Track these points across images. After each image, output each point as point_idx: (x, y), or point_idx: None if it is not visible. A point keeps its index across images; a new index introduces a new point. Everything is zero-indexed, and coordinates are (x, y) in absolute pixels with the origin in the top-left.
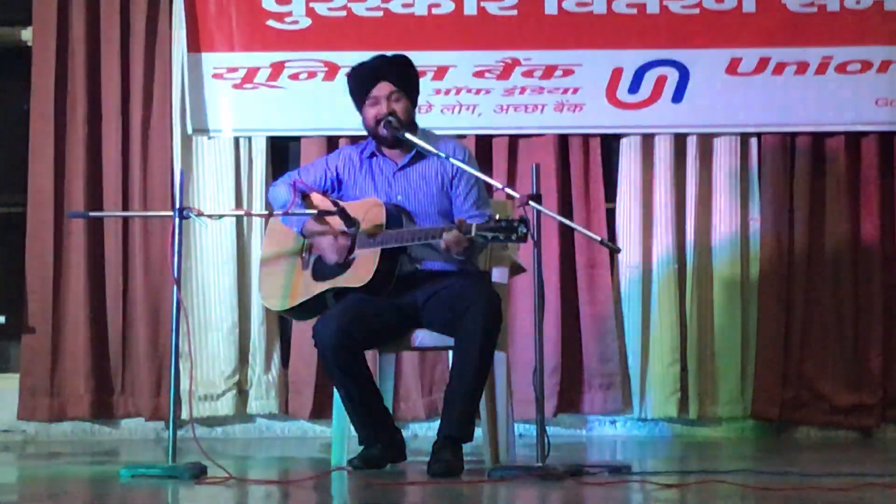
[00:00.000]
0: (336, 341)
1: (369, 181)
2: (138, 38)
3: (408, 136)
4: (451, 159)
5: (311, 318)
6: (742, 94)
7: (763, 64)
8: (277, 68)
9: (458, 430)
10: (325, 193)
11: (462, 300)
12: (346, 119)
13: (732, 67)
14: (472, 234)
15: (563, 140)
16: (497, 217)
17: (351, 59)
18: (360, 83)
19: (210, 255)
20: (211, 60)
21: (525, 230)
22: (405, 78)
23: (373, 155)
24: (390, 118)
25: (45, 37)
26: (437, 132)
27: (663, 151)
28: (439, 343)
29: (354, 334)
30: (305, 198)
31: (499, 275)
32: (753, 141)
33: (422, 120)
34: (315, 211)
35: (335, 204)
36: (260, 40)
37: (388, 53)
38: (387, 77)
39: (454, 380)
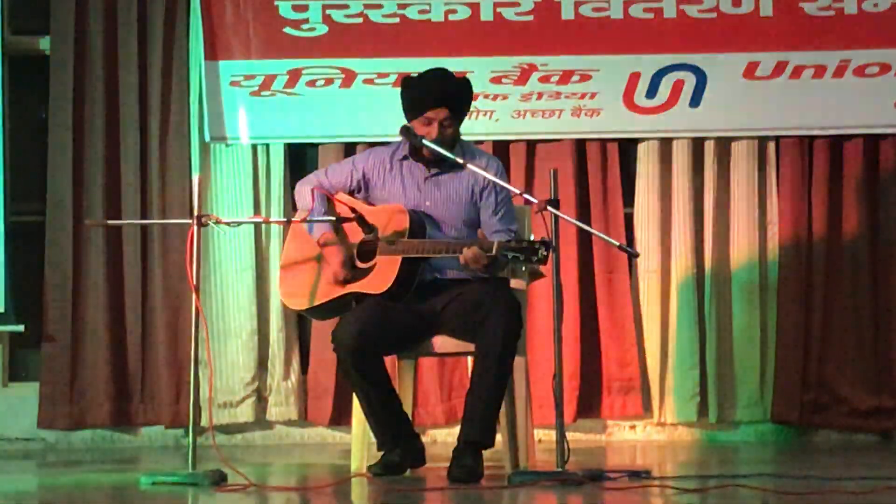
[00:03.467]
0: (355, 346)
1: (399, 184)
2: (156, 47)
3: (425, 142)
4: (471, 166)
5: (331, 319)
6: (760, 98)
7: (781, 68)
8: (294, 75)
9: (480, 435)
10: (351, 194)
11: (482, 306)
12: (364, 125)
13: (750, 71)
14: (493, 252)
15: (580, 145)
16: (519, 238)
17: (368, 65)
18: (419, 98)
19: (228, 263)
20: (228, 68)
21: (546, 253)
22: (463, 106)
23: (405, 158)
24: (431, 144)
25: (62, 46)
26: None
27: (681, 156)
28: (458, 349)
29: (373, 339)
30: (329, 200)
31: (518, 280)
32: (771, 145)
33: None
34: (333, 218)
35: (353, 211)
36: (277, 48)
37: (454, 76)
38: (447, 104)
39: (475, 385)
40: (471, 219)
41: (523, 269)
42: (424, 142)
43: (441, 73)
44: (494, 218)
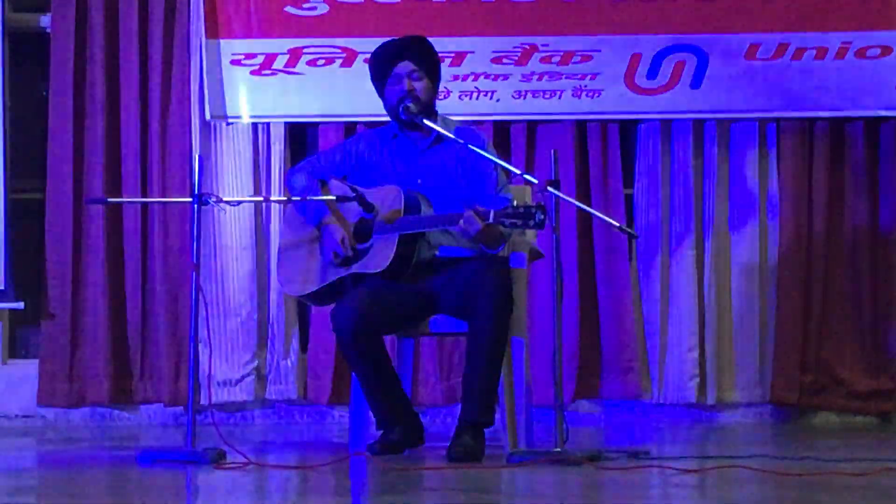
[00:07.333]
0: (354, 326)
1: (390, 163)
2: (157, 24)
3: (427, 122)
4: (472, 146)
5: (329, 304)
6: (761, 80)
7: (782, 49)
8: (295, 54)
9: (479, 414)
10: (343, 179)
11: (473, 284)
12: (365, 105)
13: (751, 53)
14: (490, 219)
15: (581, 126)
16: (515, 203)
17: (369, 45)
18: (382, 64)
19: (229, 241)
20: (229, 47)
21: (542, 216)
22: (426, 57)
23: (395, 137)
24: (407, 101)
25: (63, 23)
26: (456, 118)
27: (681, 137)
28: (457, 328)
29: (373, 319)
30: (324, 185)
31: (517, 260)
32: (772, 126)
33: (440, 106)
34: (333, 197)
35: (353, 190)
36: (278, 26)
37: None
38: (408, 56)
39: (470, 365)
40: (462, 194)
41: (522, 234)
42: (425, 121)
43: (395, 38)
44: (487, 190)
